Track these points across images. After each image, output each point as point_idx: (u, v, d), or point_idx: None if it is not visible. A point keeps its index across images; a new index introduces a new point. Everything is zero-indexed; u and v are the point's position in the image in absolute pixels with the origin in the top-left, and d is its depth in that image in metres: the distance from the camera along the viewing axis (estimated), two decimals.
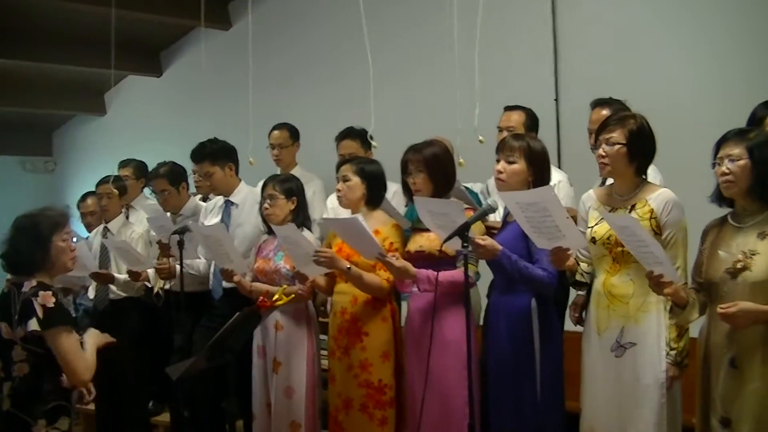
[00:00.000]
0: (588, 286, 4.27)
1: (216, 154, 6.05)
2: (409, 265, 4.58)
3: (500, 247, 4.22)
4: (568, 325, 4.82)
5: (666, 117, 5.80)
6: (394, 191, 5.49)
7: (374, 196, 5.03)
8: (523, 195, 4.01)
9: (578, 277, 4.24)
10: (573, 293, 4.87)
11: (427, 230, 4.57)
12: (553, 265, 4.11)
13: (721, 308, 3.58)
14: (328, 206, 6.26)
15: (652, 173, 4.71)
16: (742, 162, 3.66)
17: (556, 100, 7.04)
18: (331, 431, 5.01)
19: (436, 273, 4.43)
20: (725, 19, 6.27)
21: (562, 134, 6.92)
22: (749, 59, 5.96)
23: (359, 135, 6.10)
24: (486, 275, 4.60)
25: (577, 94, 6.27)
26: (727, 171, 3.68)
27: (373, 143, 5.42)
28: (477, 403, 4.48)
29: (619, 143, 4.03)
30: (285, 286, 5.10)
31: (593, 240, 4.11)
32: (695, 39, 6.42)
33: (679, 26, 6.52)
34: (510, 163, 4.35)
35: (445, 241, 4.07)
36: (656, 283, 3.67)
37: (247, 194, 6.07)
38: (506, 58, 7.13)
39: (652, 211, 4.00)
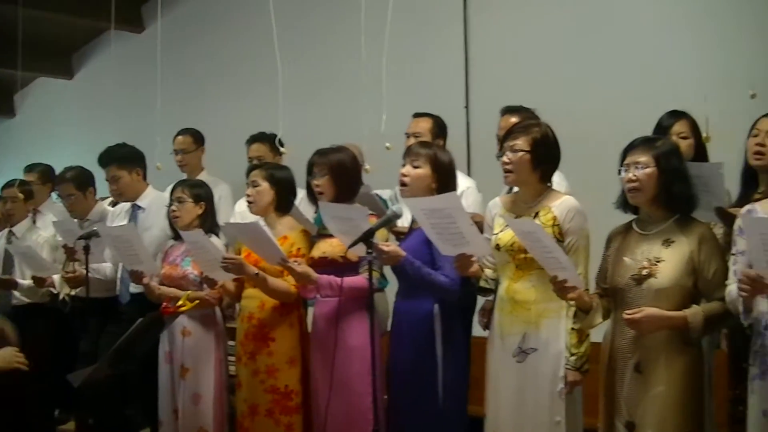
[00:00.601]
0: (494, 292, 4.30)
1: (123, 159, 6.01)
2: (310, 271, 4.59)
3: (403, 253, 4.25)
4: (478, 331, 4.86)
5: (575, 124, 5.94)
6: (301, 197, 5.49)
7: (283, 202, 5.02)
8: (428, 201, 4.04)
9: (482, 284, 4.27)
10: (482, 299, 4.92)
11: (332, 236, 4.58)
12: (457, 271, 4.13)
13: (627, 314, 3.62)
14: (236, 211, 6.22)
15: (558, 180, 4.77)
16: (648, 170, 3.71)
17: (466, 107, 7.12)
18: None
19: (338, 279, 4.45)
20: (638, 27, 6.40)
21: (471, 141, 7.01)
22: (659, 66, 6.09)
23: (269, 139, 6.09)
24: (396, 282, 4.62)
25: (488, 101, 6.30)
26: (633, 178, 3.73)
27: (282, 149, 5.41)
28: (382, 409, 4.50)
29: (522, 150, 4.06)
30: (189, 291, 5.07)
31: (497, 247, 4.14)
32: (605, 46, 6.54)
33: (590, 33, 6.63)
34: (415, 167, 4.38)
35: (350, 247, 4.09)
36: (560, 288, 3.71)
37: (154, 198, 6.03)
38: (416, 65, 7.18)
39: (555, 218, 4.04)
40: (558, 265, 3.68)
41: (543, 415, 4.03)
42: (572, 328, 3.99)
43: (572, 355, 3.98)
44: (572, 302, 3.83)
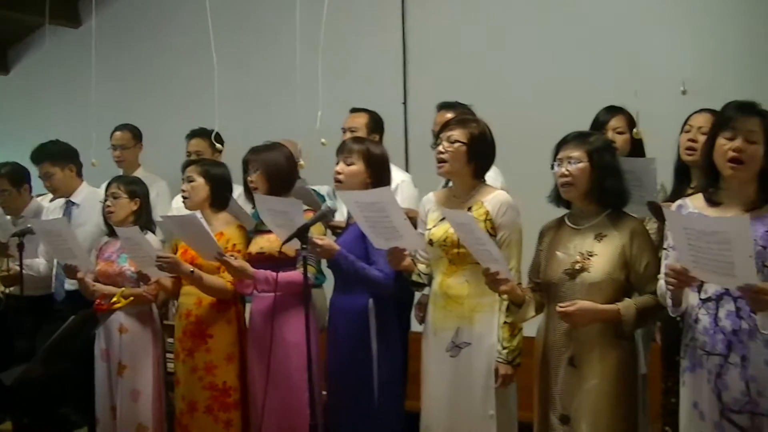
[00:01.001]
0: (426, 287, 4.33)
1: (55, 156, 5.97)
2: (246, 265, 4.59)
3: (337, 248, 4.27)
4: (417, 326, 4.88)
5: (511, 119, 5.99)
6: (239, 193, 5.48)
7: (219, 198, 5.00)
8: (362, 195, 4.05)
9: (415, 278, 4.27)
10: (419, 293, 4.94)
11: (269, 232, 4.58)
12: (389, 265, 4.14)
13: (560, 307, 3.65)
14: (173, 207, 6.18)
15: (494, 175, 4.81)
16: (581, 165, 3.74)
17: (404, 103, 7.15)
18: None
19: (274, 274, 4.45)
20: (572, 24, 6.48)
21: (409, 137, 7.04)
22: (593, 64, 6.15)
23: (209, 135, 6.06)
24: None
25: (426, 98, 6.33)
26: (566, 173, 3.76)
27: (218, 145, 5.39)
28: (320, 404, 4.52)
29: (459, 142, 4.09)
30: (123, 288, 5.04)
31: (430, 242, 4.16)
32: (540, 43, 6.60)
33: (526, 30, 6.69)
34: (348, 164, 4.39)
35: (285, 242, 4.08)
36: (492, 281, 3.73)
37: (88, 194, 5.99)
38: (354, 60, 7.21)
39: (487, 212, 4.07)
40: (490, 257, 3.69)
41: (476, 409, 4.06)
42: (504, 322, 4.01)
43: (504, 348, 4.01)
44: (504, 296, 3.86)
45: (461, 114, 4.67)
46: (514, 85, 6.61)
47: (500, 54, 6.77)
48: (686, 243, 3.13)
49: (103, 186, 5.50)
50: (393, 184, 4.93)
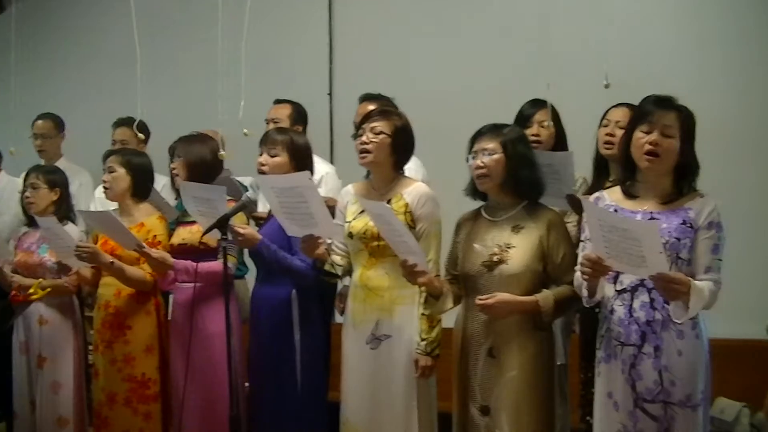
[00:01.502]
0: (339, 278, 4.33)
1: None
2: (167, 255, 4.57)
3: (260, 237, 4.26)
4: (340, 317, 4.87)
5: (434, 112, 6.03)
6: (163, 184, 5.44)
7: (140, 188, 4.96)
8: (280, 179, 4.04)
9: (327, 267, 4.23)
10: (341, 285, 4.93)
11: (191, 223, 4.56)
12: (303, 252, 4.14)
13: (480, 299, 3.68)
14: (95, 197, 6.09)
15: (416, 167, 4.84)
16: (496, 156, 3.77)
17: (329, 94, 7.14)
18: (96, 427, 4.91)
19: (195, 264, 4.43)
20: (493, 18, 6.52)
21: (335, 128, 7.04)
22: (516, 57, 6.20)
23: (135, 124, 5.99)
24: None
25: (352, 89, 6.32)
26: (481, 165, 3.79)
27: (140, 135, 5.34)
28: (243, 395, 4.52)
29: (384, 133, 4.10)
30: (41, 280, 4.97)
31: (350, 234, 4.16)
32: (462, 38, 6.65)
33: (450, 25, 6.73)
34: (272, 156, 4.37)
35: (205, 232, 4.08)
36: (410, 273, 3.74)
37: (6, 184, 5.93)
38: (279, 51, 7.19)
39: (406, 204, 4.08)
40: (408, 249, 3.70)
41: (397, 400, 4.07)
42: (422, 314, 4.02)
43: (423, 340, 4.02)
44: (422, 287, 3.87)
45: (383, 106, 4.67)
46: (437, 77, 6.66)
47: (424, 47, 6.83)
48: (600, 234, 3.18)
49: (23, 175, 5.41)
50: (317, 176, 4.94)
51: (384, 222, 3.75)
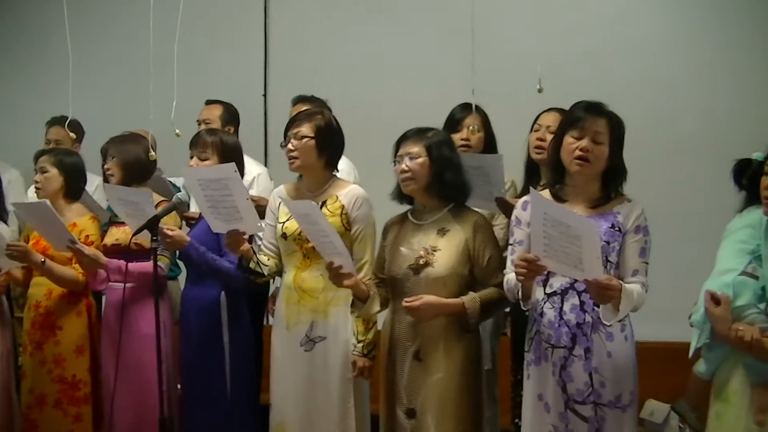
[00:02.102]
0: (264, 277, 4.27)
1: None
2: (99, 254, 4.55)
3: (188, 239, 4.25)
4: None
5: (369, 114, 6.05)
6: (96, 184, 5.40)
7: (73, 189, 4.93)
8: (205, 171, 4.05)
9: (252, 266, 4.19)
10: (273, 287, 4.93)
11: (125, 223, 4.53)
12: (227, 248, 4.13)
13: (406, 301, 3.70)
14: (28, 196, 5.99)
15: (348, 169, 4.86)
16: (420, 159, 3.80)
17: (264, 95, 7.14)
18: (25, 430, 4.86)
19: (130, 263, 4.41)
20: (425, 23, 6.57)
21: (269, 129, 7.03)
22: (449, 60, 6.23)
23: (66, 123, 5.92)
24: None
25: (287, 90, 6.32)
26: (406, 168, 3.81)
27: (71, 134, 5.29)
28: (175, 397, 4.52)
29: (307, 137, 4.12)
30: None
31: (284, 236, 4.17)
32: (396, 41, 6.70)
33: (384, 27, 6.77)
34: (203, 159, 4.37)
35: (135, 233, 4.07)
36: (335, 275, 3.76)
37: None
38: (213, 50, 7.17)
39: (342, 206, 4.10)
40: (333, 249, 3.72)
41: (334, 401, 4.10)
42: (357, 316, 4.05)
43: (359, 342, 4.05)
44: (349, 289, 3.88)
45: (315, 107, 4.68)
46: (371, 80, 6.70)
47: (358, 50, 6.86)
48: (542, 228, 3.21)
49: None
50: (249, 177, 4.95)
51: (309, 222, 3.75)
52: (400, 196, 3.96)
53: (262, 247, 4.30)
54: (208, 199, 3.93)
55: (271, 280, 4.53)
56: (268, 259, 4.28)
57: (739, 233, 3.40)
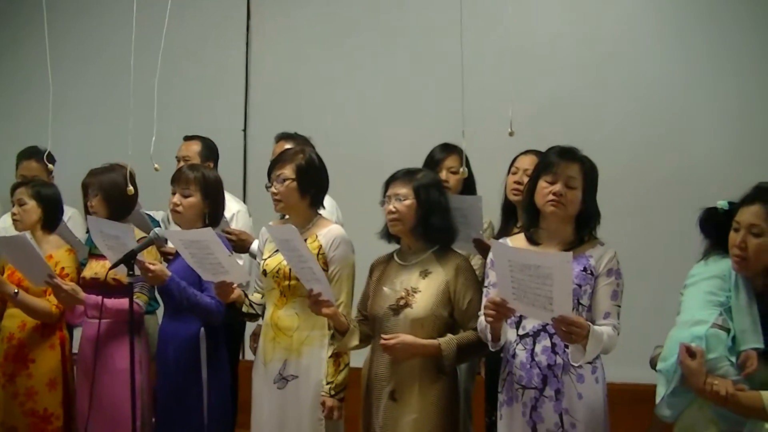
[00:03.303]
0: (260, 317, 4.33)
1: None
2: (78, 289, 4.53)
3: (169, 273, 4.24)
4: (249, 355, 4.86)
5: (350, 151, 6.07)
6: (70, 215, 5.39)
7: (50, 220, 4.93)
8: (185, 234, 4.07)
9: (245, 309, 4.27)
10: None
11: (104, 257, 4.51)
12: (218, 297, 4.16)
13: (383, 338, 3.72)
14: (0, 227, 5.99)
15: (331, 209, 4.85)
16: (408, 201, 3.83)
17: (244, 130, 7.16)
18: None
19: (108, 299, 4.39)
20: (410, 62, 6.64)
21: (249, 165, 7.07)
22: (432, 100, 6.29)
23: (41, 155, 5.87)
24: None
25: (266, 126, 6.40)
26: (393, 210, 3.84)
27: (50, 165, 5.29)
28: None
29: (289, 179, 4.14)
30: None
31: (264, 272, 4.19)
32: (378, 79, 6.75)
33: (366, 65, 6.84)
34: (186, 196, 4.39)
35: (112, 267, 4.07)
36: (315, 302, 3.77)
37: None
38: (194, 85, 7.24)
39: (320, 246, 4.12)
40: (312, 276, 3.73)
41: None
42: (330, 357, 4.06)
43: (328, 384, 4.06)
44: (328, 319, 3.89)
45: (298, 145, 4.70)
46: (352, 118, 6.77)
47: (339, 88, 6.93)
48: (509, 275, 3.22)
49: None
50: (228, 214, 4.95)
51: (290, 248, 3.75)
52: (388, 235, 3.98)
53: (255, 286, 4.33)
54: (192, 255, 3.97)
55: None
56: (262, 297, 4.30)
57: (707, 283, 3.41)
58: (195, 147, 5.54)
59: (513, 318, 3.52)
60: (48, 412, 4.70)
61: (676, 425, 3.40)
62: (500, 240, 3.78)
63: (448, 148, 4.78)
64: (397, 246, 4.03)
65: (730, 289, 3.33)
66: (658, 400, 3.38)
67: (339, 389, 4.06)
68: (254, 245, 4.63)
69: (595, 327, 3.34)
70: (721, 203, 3.45)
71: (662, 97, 6.27)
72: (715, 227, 3.46)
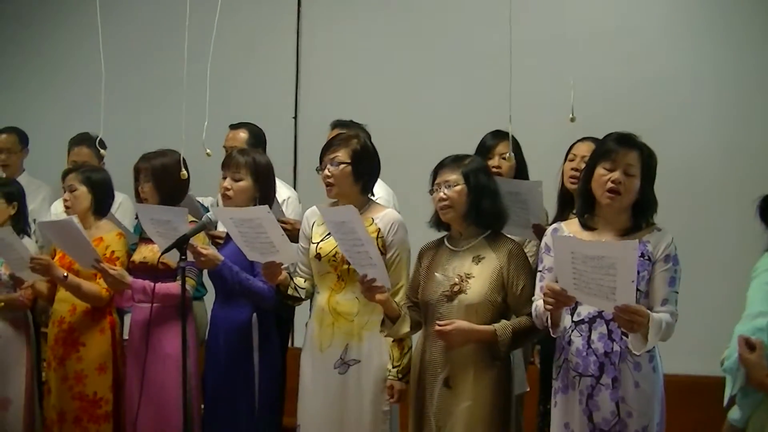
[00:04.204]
0: (302, 301, 4.32)
1: None
2: (125, 273, 4.53)
3: (222, 258, 4.23)
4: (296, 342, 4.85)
5: (401, 140, 6.04)
6: (120, 201, 5.40)
7: (101, 205, 4.94)
8: (237, 212, 4.02)
9: (291, 292, 4.23)
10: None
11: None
12: (265, 278, 4.13)
13: (438, 325, 3.69)
14: (52, 213, 6.01)
15: (387, 196, 4.84)
16: (458, 187, 3.79)
17: (294, 117, 7.15)
18: None
19: (152, 284, 4.40)
20: (462, 49, 6.58)
21: (299, 152, 7.07)
22: (482, 87, 6.23)
23: (93, 141, 5.91)
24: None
25: (317, 114, 6.41)
26: (444, 196, 3.80)
27: (102, 151, 5.31)
28: (197, 417, 4.48)
29: (344, 162, 4.11)
30: None
31: (318, 256, 4.16)
32: (431, 67, 6.72)
33: (417, 52, 6.80)
34: (236, 180, 4.37)
35: (163, 252, 4.04)
36: (368, 288, 3.76)
37: None
38: (245, 72, 7.21)
39: (378, 230, 4.08)
40: (368, 260, 3.70)
41: (366, 426, 4.08)
42: (393, 341, 4.03)
43: (395, 367, 4.03)
44: (380, 304, 3.86)
45: (347, 132, 4.67)
46: (403, 106, 6.71)
47: (391, 74, 6.88)
48: (570, 266, 3.19)
49: None
50: (279, 200, 4.92)
51: (346, 230, 3.72)
52: (438, 223, 3.95)
53: (297, 269, 4.29)
54: (242, 234, 3.94)
55: None
56: (305, 281, 4.28)
57: (767, 274, 3.34)
58: (242, 135, 5.51)
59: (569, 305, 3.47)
60: (97, 396, 4.71)
61: (748, 428, 3.28)
62: (553, 225, 3.76)
63: (500, 135, 4.73)
64: (445, 233, 3.99)
65: None
66: (726, 401, 3.29)
67: (405, 372, 4.03)
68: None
69: (654, 315, 3.29)
70: None
71: (717, 87, 6.20)
72: None
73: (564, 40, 6.11)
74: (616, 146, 3.52)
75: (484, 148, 4.76)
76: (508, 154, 4.31)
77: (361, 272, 3.76)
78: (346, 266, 4.04)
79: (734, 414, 3.30)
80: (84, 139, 5.91)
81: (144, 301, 4.49)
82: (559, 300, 3.31)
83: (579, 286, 3.21)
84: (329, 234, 4.08)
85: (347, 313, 4.12)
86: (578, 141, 4.57)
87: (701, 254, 5.43)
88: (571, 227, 3.66)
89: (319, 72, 7.14)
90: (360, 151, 4.15)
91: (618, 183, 3.47)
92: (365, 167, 4.18)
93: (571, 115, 4.01)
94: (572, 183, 4.45)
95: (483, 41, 6.33)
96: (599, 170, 3.52)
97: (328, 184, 4.16)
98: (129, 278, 4.52)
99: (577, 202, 3.79)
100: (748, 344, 3.12)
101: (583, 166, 4.30)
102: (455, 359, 3.77)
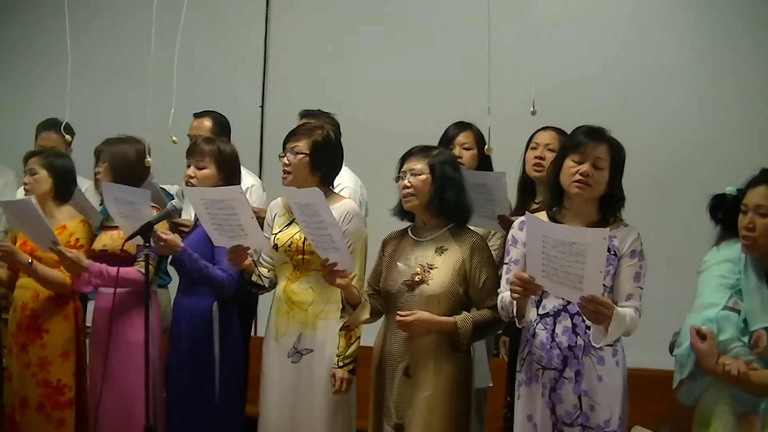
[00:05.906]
0: (266, 289, 4.33)
1: None
2: (81, 256, 4.50)
3: (182, 244, 4.22)
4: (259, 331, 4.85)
5: (367, 128, 6.04)
6: (86, 188, 5.37)
7: (62, 191, 4.89)
8: (210, 192, 4.02)
9: (255, 279, 4.27)
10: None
11: (113, 228, 4.53)
12: (230, 263, 4.13)
13: (400, 315, 3.72)
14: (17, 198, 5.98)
15: (354, 187, 4.87)
16: (423, 177, 3.81)
17: (261, 106, 7.14)
18: None
19: (112, 268, 4.39)
20: (434, 38, 6.63)
21: (265, 141, 7.05)
22: (459, 74, 6.24)
23: (59, 126, 5.86)
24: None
25: (284, 102, 6.40)
26: (408, 184, 3.82)
27: (68, 137, 5.27)
28: (161, 405, 4.48)
29: (302, 153, 4.12)
30: None
31: (276, 246, 4.18)
32: (400, 55, 6.73)
33: (386, 41, 6.80)
34: (200, 168, 4.36)
35: (128, 239, 4.05)
36: (330, 272, 3.76)
37: None
38: (212, 60, 7.19)
39: None
40: (332, 245, 3.71)
41: (318, 414, 4.10)
42: (341, 329, 4.06)
43: (338, 356, 4.06)
44: (340, 289, 3.85)
45: (313, 122, 4.66)
46: (371, 95, 6.71)
47: (359, 64, 6.89)
48: (540, 251, 3.20)
49: None
50: (243, 187, 4.90)
51: (310, 213, 3.72)
52: (402, 212, 3.96)
53: (261, 260, 4.31)
54: (211, 216, 3.95)
55: None
56: (268, 271, 4.30)
57: (719, 267, 3.42)
58: (207, 123, 5.48)
59: (535, 296, 3.49)
60: (61, 382, 4.68)
61: (696, 409, 3.40)
62: (521, 217, 3.71)
63: (462, 126, 4.78)
64: (409, 224, 4.01)
65: (740, 272, 3.35)
66: (675, 384, 3.40)
67: (348, 361, 4.06)
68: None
69: (618, 309, 3.31)
70: (730, 189, 3.47)
71: (687, 77, 6.23)
72: (726, 213, 3.46)
73: (533, 31, 6.13)
74: (585, 139, 3.54)
75: (446, 138, 4.78)
76: (486, 147, 4.32)
77: (324, 256, 3.76)
78: (301, 256, 4.08)
79: (683, 395, 3.40)
80: (52, 125, 5.87)
81: (100, 285, 4.48)
82: (527, 288, 3.33)
83: (548, 273, 3.23)
84: (288, 225, 4.15)
85: (302, 302, 4.14)
86: (540, 130, 4.61)
87: (666, 249, 5.46)
88: (541, 219, 3.67)
89: (288, 60, 7.14)
90: (321, 142, 4.16)
91: (587, 176, 3.49)
92: (324, 159, 4.19)
93: (531, 109, 4.03)
94: (536, 171, 4.50)
95: (457, 30, 6.34)
96: (568, 162, 3.54)
97: (285, 172, 4.17)
98: (86, 261, 4.49)
99: (546, 194, 3.81)
100: (700, 334, 3.22)
101: (547, 153, 4.42)
102: (416, 349, 3.79)
